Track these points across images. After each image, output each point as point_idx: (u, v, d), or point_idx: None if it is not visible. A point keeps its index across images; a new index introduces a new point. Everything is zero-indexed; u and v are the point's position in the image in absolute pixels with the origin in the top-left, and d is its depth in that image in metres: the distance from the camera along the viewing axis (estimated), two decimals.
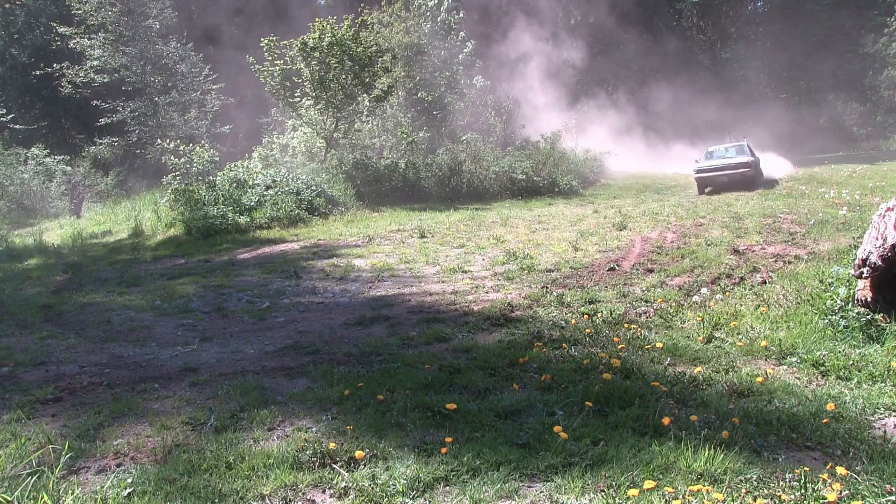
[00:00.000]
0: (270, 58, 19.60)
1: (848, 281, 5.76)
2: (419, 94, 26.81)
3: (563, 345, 5.50)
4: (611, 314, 6.41)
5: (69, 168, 26.08)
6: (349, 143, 22.48)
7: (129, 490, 3.43)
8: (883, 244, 5.05)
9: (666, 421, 3.88)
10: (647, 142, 34.15)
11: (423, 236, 12.41)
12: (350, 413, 4.32)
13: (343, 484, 3.43)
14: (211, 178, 17.39)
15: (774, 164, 24.84)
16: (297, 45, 18.99)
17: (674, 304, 6.73)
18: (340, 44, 18.81)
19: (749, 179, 18.50)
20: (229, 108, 30.92)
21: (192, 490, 3.40)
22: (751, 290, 6.99)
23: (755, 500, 3.07)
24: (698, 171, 19.24)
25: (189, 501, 3.32)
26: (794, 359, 5.03)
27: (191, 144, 21.08)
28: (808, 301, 5.97)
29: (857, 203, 13.67)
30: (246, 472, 3.59)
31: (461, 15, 29.71)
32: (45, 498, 3.15)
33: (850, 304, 5.50)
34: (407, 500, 3.27)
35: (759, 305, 6.25)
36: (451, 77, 28.31)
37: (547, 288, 7.81)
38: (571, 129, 28.90)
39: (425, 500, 3.28)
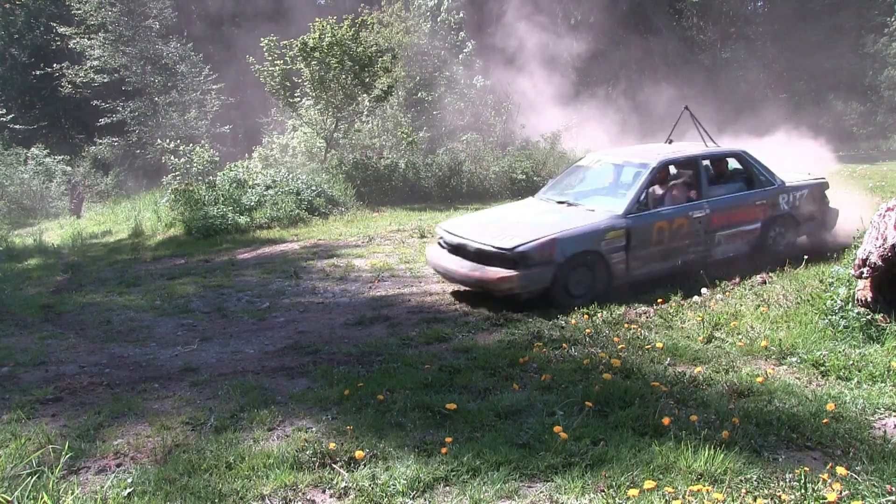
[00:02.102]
0: (270, 58, 19.56)
1: (848, 281, 5.75)
2: (419, 94, 26.80)
3: (563, 345, 5.50)
4: (611, 314, 6.41)
5: (69, 168, 26.02)
6: (349, 143, 22.46)
7: (129, 490, 3.43)
8: (883, 244, 5.05)
9: (666, 421, 3.89)
10: (647, 142, 34.11)
11: (423, 236, 12.39)
12: (350, 413, 4.32)
13: (343, 484, 3.43)
14: (211, 178, 17.34)
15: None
16: (297, 46, 18.96)
17: (674, 304, 6.74)
18: (340, 44, 18.79)
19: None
20: (229, 108, 30.86)
21: (192, 490, 3.41)
22: (751, 290, 6.99)
23: (755, 500, 3.07)
24: (442, 241, 7.90)
25: (189, 501, 3.32)
26: (794, 359, 5.03)
27: (191, 144, 21.04)
28: (808, 301, 5.96)
29: (857, 203, 13.66)
30: (246, 472, 3.59)
31: (461, 15, 29.68)
32: (45, 498, 3.15)
33: (850, 304, 5.50)
34: (407, 500, 3.27)
35: (759, 305, 6.25)
36: (451, 77, 28.29)
37: None
38: (571, 129, 28.86)
39: (425, 500, 3.28)
